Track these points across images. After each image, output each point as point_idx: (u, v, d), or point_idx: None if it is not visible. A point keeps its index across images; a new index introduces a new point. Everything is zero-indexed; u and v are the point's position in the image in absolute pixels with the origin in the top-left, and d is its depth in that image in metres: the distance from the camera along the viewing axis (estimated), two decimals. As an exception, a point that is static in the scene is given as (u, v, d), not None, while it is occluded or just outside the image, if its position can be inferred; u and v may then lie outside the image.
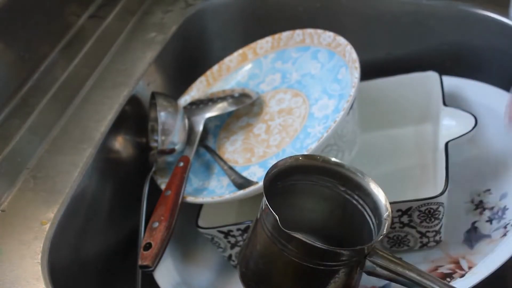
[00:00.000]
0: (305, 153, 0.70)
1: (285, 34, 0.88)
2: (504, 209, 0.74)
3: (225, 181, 0.79)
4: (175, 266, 0.78)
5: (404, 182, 0.82)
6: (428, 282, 0.57)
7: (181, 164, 0.79)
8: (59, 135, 0.76)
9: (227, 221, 0.76)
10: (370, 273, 0.59)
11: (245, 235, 0.72)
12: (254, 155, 0.80)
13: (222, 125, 0.87)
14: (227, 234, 0.74)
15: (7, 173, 0.72)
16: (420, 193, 0.78)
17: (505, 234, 0.70)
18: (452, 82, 0.86)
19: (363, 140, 0.82)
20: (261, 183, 0.71)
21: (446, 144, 0.74)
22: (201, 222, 0.76)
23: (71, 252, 0.71)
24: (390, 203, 0.61)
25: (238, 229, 0.73)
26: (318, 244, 0.56)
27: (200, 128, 0.83)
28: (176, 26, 0.93)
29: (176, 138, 0.81)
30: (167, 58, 0.91)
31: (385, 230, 0.58)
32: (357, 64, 0.76)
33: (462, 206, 0.78)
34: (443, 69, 0.87)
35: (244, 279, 0.62)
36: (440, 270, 0.71)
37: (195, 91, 0.90)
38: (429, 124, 0.86)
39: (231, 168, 0.80)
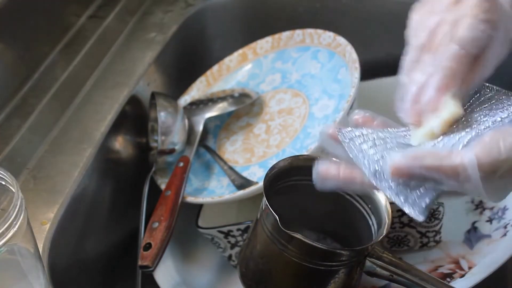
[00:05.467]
0: (305, 153, 0.70)
1: (285, 34, 0.88)
2: (504, 209, 0.74)
3: (225, 181, 0.79)
4: (175, 266, 0.78)
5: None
6: (427, 283, 0.57)
7: (181, 164, 0.79)
8: (59, 135, 0.76)
9: (227, 221, 0.76)
10: (370, 273, 0.59)
11: (245, 235, 0.72)
12: (254, 155, 0.80)
13: (222, 125, 0.87)
14: (227, 234, 0.74)
15: (7, 173, 0.72)
16: (420, 193, 0.78)
17: (505, 234, 0.70)
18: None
19: (363, 140, 0.81)
20: (261, 183, 0.71)
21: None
22: (201, 222, 0.76)
23: (71, 252, 0.71)
24: (390, 203, 0.61)
25: (238, 229, 0.73)
26: (318, 244, 0.56)
27: (200, 128, 0.83)
28: (176, 26, 0.93)
29: (176, 138, 0.81)
30: (167, 58, 0.91)
31: (385, 231, 0.58)
32: (357, 64, 0.76)
33: (462, 206, 0.78)
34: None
35: (244, 279, 0.62)
36: (440, 270, 0.71)
37: (195, 91, 0.90)
38: (429, 124, 0.86)
39: (231, 168, 0.80)
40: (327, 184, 0.52)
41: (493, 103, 0.50)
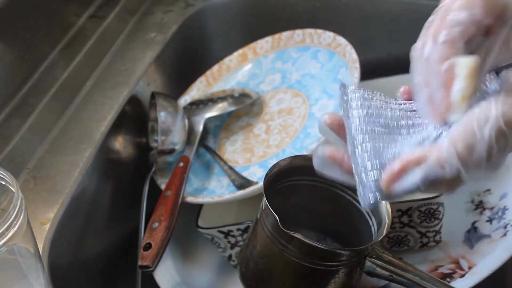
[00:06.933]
0: (305, 153, 0.70)
1: (285, 34, 0.88)
2: (504, 209, 0.74)
3: (225, 181, 0.79)
4: (175, 266, 0.78)
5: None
6: (427, 283, 0.57)
7: (181, 164, 0.79)
8: (59, 135, 0.76)
9: (227, 221, 0.76)
10: (370, 273, 0.59)
11: (245, 235, 0.72)
12: (254, 155, 0.80)
13: (222, 125, 0.87)
14: (227, 234, 0.74)
15: (7, 173, 0.72)
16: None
17: (505, 234, 0.70)
18: (452, 82, 0.86)
19: (363, 140, 0.81)
20: (261, 183, 0.71)
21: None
22: (201, 222, 0.76)
23: (71, 252, 0.71)
24: (390, 203, 0.61)
25: (238, 229, 0.73)
26: (318, 244, 0.56)
27: (200, 128, 0.83)
28: (176, 26, 0.93)
29: (176, 138, 0.81)
30: (167, 58, 0.91)
31: (384, 231, 0.58)
32: (357, 64, 0.76)
33: (462, 206, 0.78)
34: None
35: (244, 279, 0.62)
36: (440, 270, 0.71)
37: (195, 91, 0.90)
38: (429, 124, 0.86)
39: (231, 168, 0.80)
40: (326, 170, 0.49)
41: None
